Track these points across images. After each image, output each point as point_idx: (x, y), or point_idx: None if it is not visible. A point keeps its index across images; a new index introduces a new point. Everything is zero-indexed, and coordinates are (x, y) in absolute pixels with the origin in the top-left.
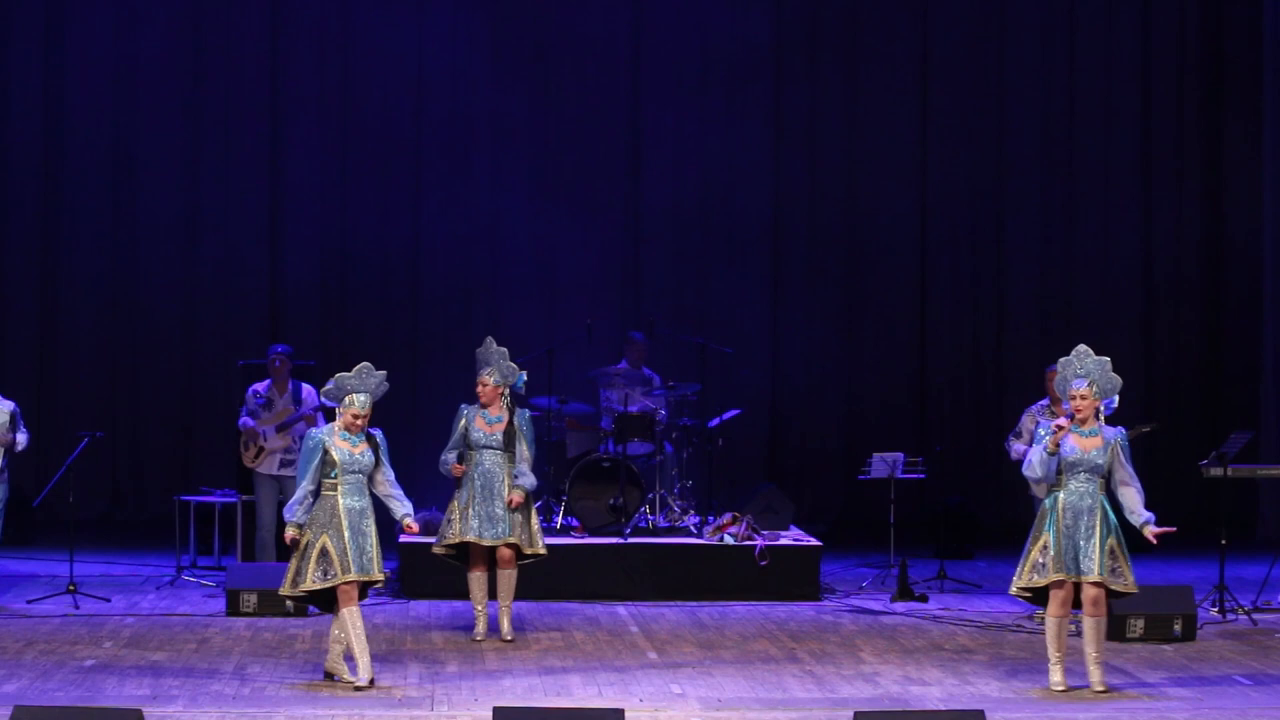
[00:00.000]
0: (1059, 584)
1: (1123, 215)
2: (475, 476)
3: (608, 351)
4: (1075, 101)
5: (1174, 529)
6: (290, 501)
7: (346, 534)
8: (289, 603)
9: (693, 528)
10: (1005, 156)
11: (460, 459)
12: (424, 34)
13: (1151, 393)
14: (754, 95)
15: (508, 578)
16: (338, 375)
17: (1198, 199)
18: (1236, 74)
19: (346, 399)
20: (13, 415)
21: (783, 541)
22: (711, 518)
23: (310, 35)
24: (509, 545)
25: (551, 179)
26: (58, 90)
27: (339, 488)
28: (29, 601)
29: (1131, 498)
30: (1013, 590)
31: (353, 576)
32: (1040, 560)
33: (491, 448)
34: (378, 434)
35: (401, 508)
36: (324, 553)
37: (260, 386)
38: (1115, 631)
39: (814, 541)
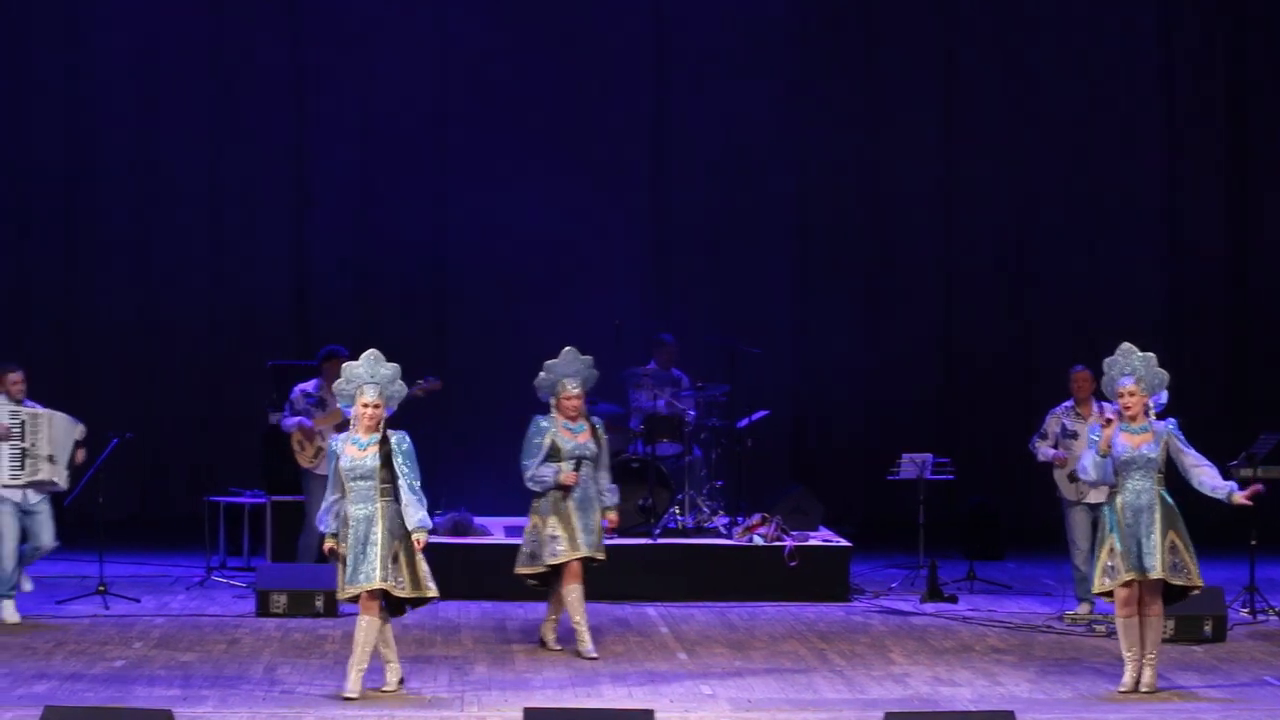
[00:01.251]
0: (1127, 583)
1: (1149, 213)
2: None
3: (637, 352)
4: (1100, 95)
5: (1261, 486)
6: (319, 512)
7: (349, 542)
8: (318, 603)
9: (722, 528)
10: (1030, 153)
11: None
12: (446, 21)
13: (1179, 393)
14: (779, 87)
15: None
16: (345, 366)
17: (1224, 197)
18: (1259, 68)
19: (357, 391)
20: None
21: (812, 542)
22: (740, 518)
23: (330, 26)
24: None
25: (577, 178)
26: (79, 93)
27: (348, 495)
28: (58, 602)
29: (1207, 476)
30: (1094, 592)
31: (348, 587)
32: (1109, 563)
33: (586, 457)
34: (395, 436)
35: (413, 517)
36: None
37: (309, 386)
38: None
39: (843, 542)
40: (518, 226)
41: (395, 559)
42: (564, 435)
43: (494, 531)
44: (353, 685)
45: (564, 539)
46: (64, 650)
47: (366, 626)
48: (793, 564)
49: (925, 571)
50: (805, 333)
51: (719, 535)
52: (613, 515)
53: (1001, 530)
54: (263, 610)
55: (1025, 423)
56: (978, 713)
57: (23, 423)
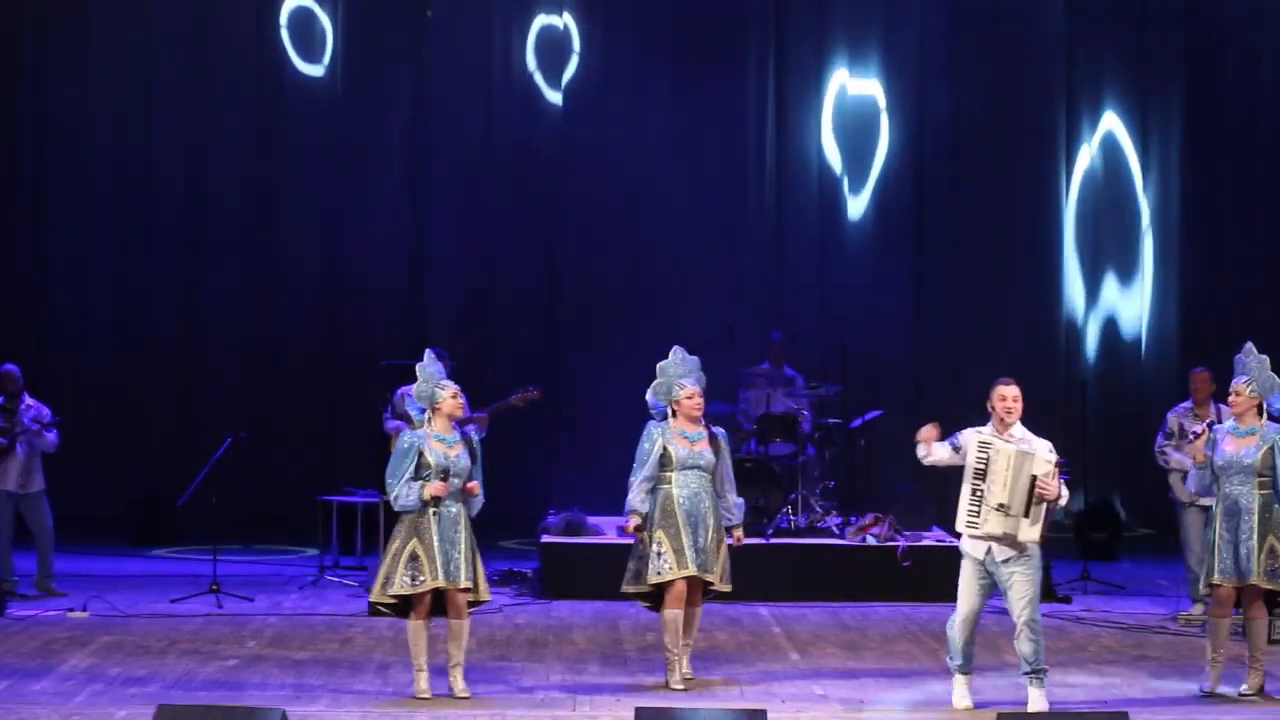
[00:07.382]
0: (1219, 585)
1: None
2: (681, 500)
3: (750, 351)
4: None
5: None
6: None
7: (435, 539)
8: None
9: (835, 528)
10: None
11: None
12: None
13: None
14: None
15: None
16: (419, 368)
17: None
18: None
19: (436, 389)
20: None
21: (925, 542)
22: (854, 518)
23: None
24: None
25: (691, 174)
26: (198, 100)
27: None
28: (172, 601)
29: None
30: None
31: (442, 582)
32: (1210, 563)
33: (699, 468)
34: (471, 431)
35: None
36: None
37: (408, 390)
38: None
39: (956, 542)
40: (630, 225)
41: (473, 558)
42: (679, 444)
43: (607, 531)
44: (422, 686)
45: (669, 556)
46: (177, 649)
47: (453, 628)
48: (906, 564)
49: None
50: (922, 333)
51: (832, 535)
52: (738, 533)
53: (1117, 531)
54: (375, 609)
55: (1140, 423)
56: (1092, 713)
57: (987, 458)
